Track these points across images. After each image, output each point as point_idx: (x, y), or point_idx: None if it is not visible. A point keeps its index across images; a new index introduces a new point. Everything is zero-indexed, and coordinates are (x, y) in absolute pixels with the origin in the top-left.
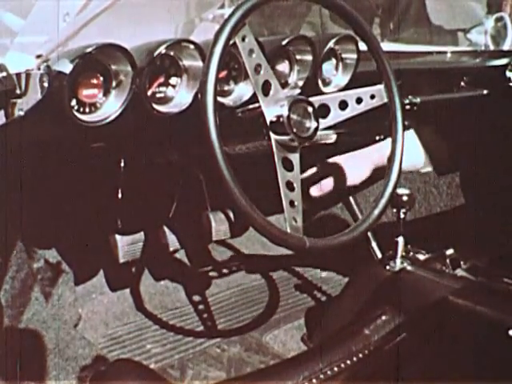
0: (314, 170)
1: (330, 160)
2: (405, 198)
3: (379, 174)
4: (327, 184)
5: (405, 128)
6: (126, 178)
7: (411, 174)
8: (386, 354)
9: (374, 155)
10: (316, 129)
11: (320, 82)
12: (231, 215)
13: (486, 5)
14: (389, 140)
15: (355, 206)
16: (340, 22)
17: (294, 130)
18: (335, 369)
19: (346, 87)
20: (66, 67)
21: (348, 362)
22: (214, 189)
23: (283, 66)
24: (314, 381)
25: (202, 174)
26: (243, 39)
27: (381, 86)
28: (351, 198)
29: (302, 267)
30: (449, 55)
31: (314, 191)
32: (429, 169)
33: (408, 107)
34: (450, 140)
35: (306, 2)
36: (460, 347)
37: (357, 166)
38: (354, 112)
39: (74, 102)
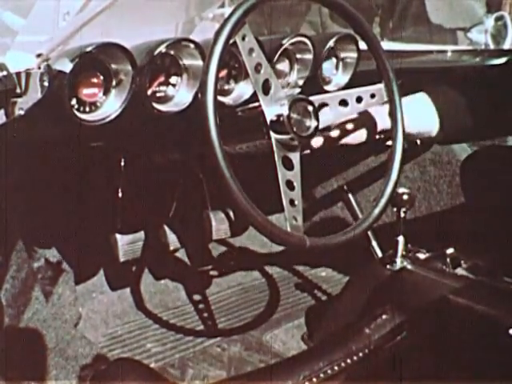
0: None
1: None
2: (405, 197)
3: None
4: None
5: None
6: (127, 177)
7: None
8: (387, 353)
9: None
10: (316, 128)
11: (320, 81)
12: (231, 214)
13: (485, 4)
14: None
15: (355, 205)
16: (340, 21)
17: (294, 129)
18: (335, 368)
19: (347, 86)
20: (67, 66)
21: (348, 361)
22: (215, 188)
23: (283, 65)
24: (315, 380)
25: (203, 173)
26: (243, 38)
27: (381, 85)
28: (351, 197)
29: (301, 265)
30: (449, 54)
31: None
32: (440, 135)
33: None
34: (463, 105)
35: (305, 1)
36: (460, 346)
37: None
38: (355, 111)
39: (74, 101)
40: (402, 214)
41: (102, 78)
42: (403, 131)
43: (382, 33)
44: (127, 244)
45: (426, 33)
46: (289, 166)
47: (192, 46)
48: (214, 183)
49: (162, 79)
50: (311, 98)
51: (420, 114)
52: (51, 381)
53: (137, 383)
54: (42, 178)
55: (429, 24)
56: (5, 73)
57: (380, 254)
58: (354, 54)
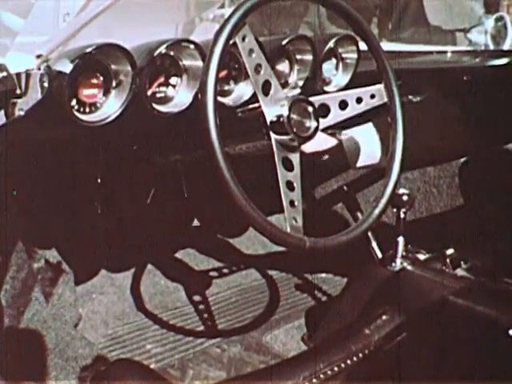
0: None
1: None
2: (405, 198)
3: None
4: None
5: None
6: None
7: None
8: (386, 354)
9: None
10: (316, 128)
11: (320, 82)
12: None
13: (483, 5)
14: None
15: (355, 206)
16: (337, 21)
17: (295, 130)
18: (335, 369)
19: (346, 87)
20: (66, 67)
21: (348, 361)
22: (192, 177)
23: (283, 66)
24: (315, 380)
25: (180, 163)
26: (243, 39)
27: (381, 86)
28: (351, 198)
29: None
30: (449, 55)
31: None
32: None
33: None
34: (418, 134)
35: (305, 2)
36: (460, 347)
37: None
38: (354, 112)
39: (74, 102)
40: (402, 215)
41: (101, 78)
42: (403, 131)
43: (380, 34)
44: None
45: (425, 34)
46: (289, 166)
47: (192, 46)
48: (190, 172)
49: (161, 80)
50: (311, 99)
51: (365, 144)
52: (51, 381)
53: None
54: (42, 178)
55: (427, 25)
56: (5, 73)
57: (380, 255)
58: (354, 55)
